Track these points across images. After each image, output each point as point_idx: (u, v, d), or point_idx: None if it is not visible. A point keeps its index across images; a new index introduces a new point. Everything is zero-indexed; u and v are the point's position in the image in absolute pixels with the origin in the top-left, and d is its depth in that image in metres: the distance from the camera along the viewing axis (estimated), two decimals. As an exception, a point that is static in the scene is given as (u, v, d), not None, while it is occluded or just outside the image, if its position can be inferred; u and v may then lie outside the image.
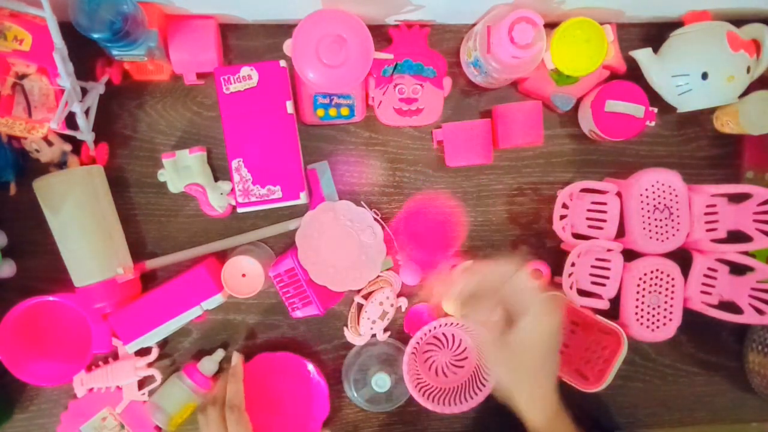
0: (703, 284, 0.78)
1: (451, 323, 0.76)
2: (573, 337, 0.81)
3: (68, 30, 0.63)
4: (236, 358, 0.75)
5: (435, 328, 0.76)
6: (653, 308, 0.77)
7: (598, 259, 0.78)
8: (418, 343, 0.76)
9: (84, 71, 0.71)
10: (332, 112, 0.75)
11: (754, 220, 0.78)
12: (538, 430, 0.59)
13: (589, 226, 0.78)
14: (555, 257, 0.80)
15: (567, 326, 0.81)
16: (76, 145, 0.73)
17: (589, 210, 0.78)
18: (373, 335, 0.78)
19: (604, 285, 0.78)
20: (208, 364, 0.76)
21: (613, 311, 0.78)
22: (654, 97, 0.77)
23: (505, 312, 0.59)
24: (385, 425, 0.81)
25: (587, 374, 0.77)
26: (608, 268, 0.77)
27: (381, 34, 0.77)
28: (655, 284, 0.77)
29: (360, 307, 0.78)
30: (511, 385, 0.59)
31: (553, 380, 0.60)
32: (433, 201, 0.79)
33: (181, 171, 0.75)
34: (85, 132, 0.72)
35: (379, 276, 0.78)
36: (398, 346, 0.78)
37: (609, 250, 0.77)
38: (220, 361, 0.78)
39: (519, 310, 0.57)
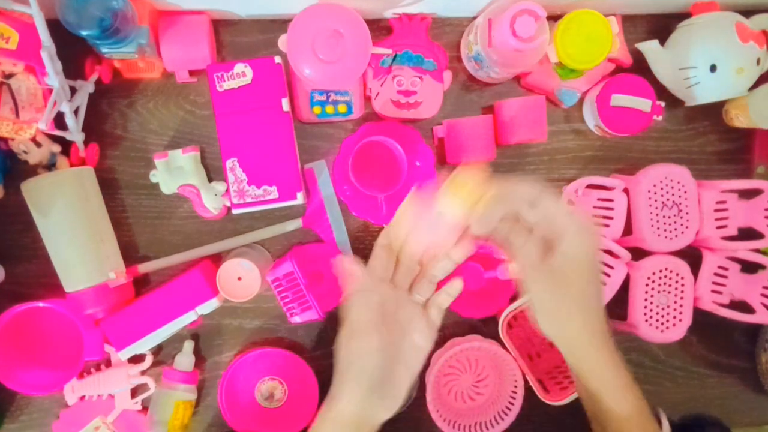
0: (714, 283, 0.77)
1: (475, 346, 0.74)
2: (549, 350, 0.79)
3: (56, 27, 0.62)
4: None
5: (459, 352, 0.74)
6: (662, 308, 0.75)
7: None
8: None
9: (73, 70, 0.70)
10: (329, 109, 0.74)
11: (766, 217, 0.76)
12: (592, 366, 0.54)
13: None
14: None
15: (547, 339, 0.79)
16: (66, 145, 0.72)
17: (595, 207, 0.76)
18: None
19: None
20: (184, 359, 0.74)
21: (622, 312, 0.77)
22: (661, 91, 0.75)
23: (539, 238, 0.53)
24: (386, 431, 0.79)
25: (549, 388, 0.75)
26: (608, 275, 0.75)
27: (379, 28, 0.75)
28: (664, 283, 0.75)
29: (360, 310, 0.76)
30: (557, 319, 0.54)
31: (601, 309, 0.55)
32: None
33: (174, 171, 0.73)
34: (75, 132, 0.71)
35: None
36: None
37: (616, 257, 0.75)
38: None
39: (555, 234, 0.51)
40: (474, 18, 0.76)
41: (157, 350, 0.76)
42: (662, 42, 0.75)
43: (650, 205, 0.74)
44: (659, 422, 0.57)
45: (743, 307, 0.76)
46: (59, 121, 0.69)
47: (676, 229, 0.75)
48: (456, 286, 0.58)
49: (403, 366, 0.55)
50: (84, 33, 0.62)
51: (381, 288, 0.56)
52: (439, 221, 0.55)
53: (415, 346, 0.56)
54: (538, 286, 0.53)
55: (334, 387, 0.55)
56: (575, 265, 0.52)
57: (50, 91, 0.65)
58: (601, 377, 0.55)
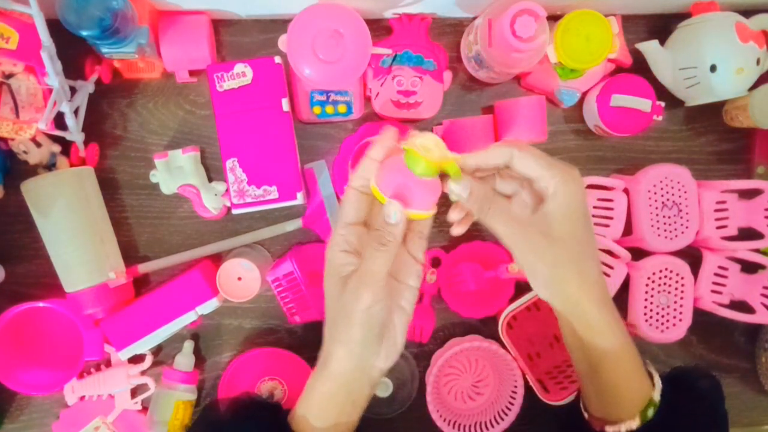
0: (714, 283, 0.76)
1: (475, 346, 0.74)
2: (549, 350, 0.79)
3: (56, 27, 0.62)
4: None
5: (460, 351, 0.73)
6: (662, 308, 0.75)
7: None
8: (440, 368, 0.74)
9: (73, 70, 0.70)
10: (329, 109, 0.73)
11: (766, 217, 0.76)
12: (593, 319, 0.52)
13: (596, 224, 0.76)
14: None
15: (547, 338, 0.79)
16: (66, 145, 0.72)
17: (595, 207, 0.76)
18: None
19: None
20: (184, 359, 0.74)
21: (622, 312, 0.76)
22: (661, 91, 0.75)
23: (527, 192, 0.52)
24: (386, 431, 0.79)
25: (549, 388, 0.75)
26: (608, 275, 0.75)
27: (379, 28, 0.75)
28: (665, 284, 0.75)
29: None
30: (556, 273, 0.50)
31: (597, 258, 0.53)
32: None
33: (174, 172, 0.73)
34: (75, 132, 0.71)
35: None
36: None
37: (616, 257, 0.75)
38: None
39: (540, 186, 0.49)
40: (474, 18, 0.75)
41: (157, 350, 0.76)
42: (662, 42, 0.75)
43: (650, 205, 0.74)
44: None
45: (743, 307, 0.76)
46: (59, 121, 0.68)
47: (676, 229, 0.75)
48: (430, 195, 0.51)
49: (398, 311, 0.52)
50: (84, 33, 0.62)
51: (355, 233, 0.51)
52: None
53: (405, 286, 0.52)
54: (528, 241, 0.50)
55: (326, 342, 0.51)
56: (565, 217, 0.49)
57: (50, 91, 0.65)
58: (602, 333, 0.53)
